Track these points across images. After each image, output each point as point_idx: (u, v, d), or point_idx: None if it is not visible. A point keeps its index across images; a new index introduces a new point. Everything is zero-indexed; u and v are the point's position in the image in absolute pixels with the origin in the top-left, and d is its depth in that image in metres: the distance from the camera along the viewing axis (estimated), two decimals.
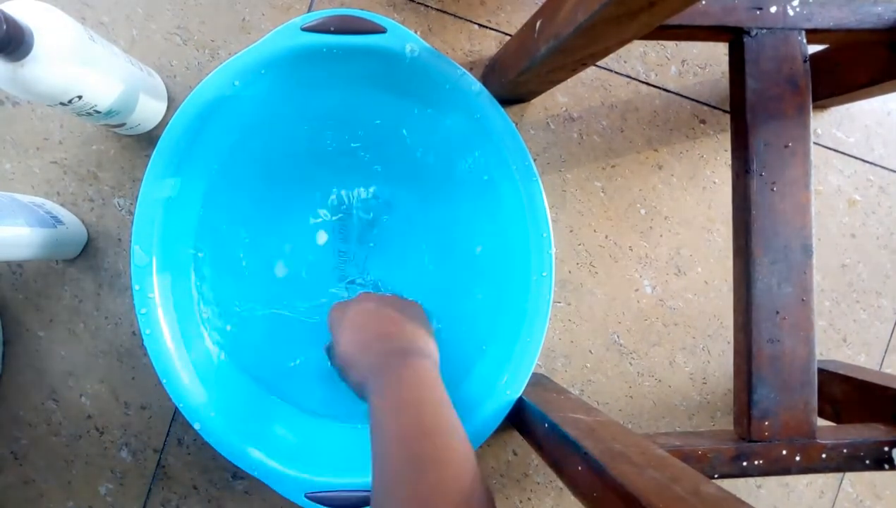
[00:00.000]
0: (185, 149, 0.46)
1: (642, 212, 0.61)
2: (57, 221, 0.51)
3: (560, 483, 0.60)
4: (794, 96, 0.47)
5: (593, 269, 0.60)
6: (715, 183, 0.61)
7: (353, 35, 0.46)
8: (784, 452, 0.45)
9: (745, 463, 0.45)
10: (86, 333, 0.56)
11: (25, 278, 0.55)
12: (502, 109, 0.48)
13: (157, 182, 0.46)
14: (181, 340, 0.47)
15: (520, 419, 0.49)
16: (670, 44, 0.61)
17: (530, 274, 0.49)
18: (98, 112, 0.46)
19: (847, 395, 0.55)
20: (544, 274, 0.48)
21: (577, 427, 0.41)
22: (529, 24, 0.46)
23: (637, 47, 0.60)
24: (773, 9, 0.47)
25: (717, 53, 0.61)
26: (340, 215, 0.54)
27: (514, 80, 0.50)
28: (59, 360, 0.56)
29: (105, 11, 0.55)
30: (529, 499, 0.60)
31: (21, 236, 0.47)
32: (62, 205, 0.55)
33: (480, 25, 0.58)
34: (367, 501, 0.45)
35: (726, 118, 0.61)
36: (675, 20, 0.46)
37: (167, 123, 0.46)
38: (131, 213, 0.55)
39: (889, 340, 0.64)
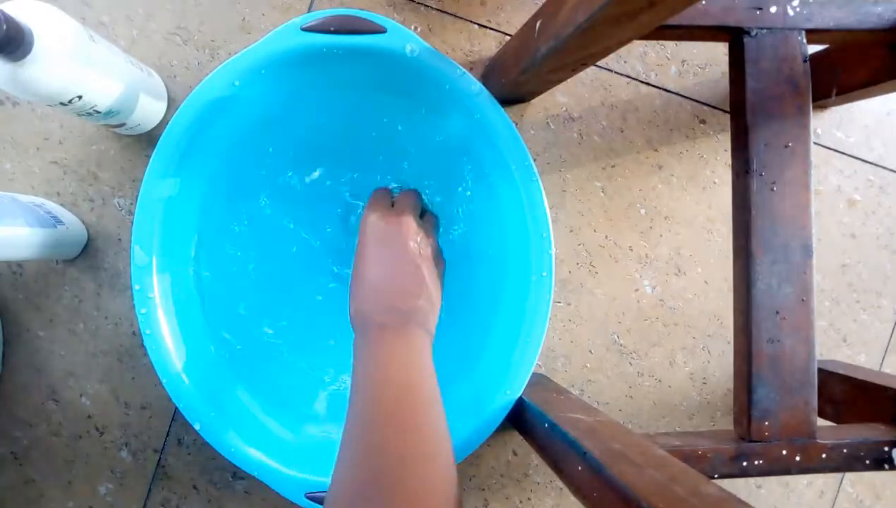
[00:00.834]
0: (185, 149, 0.46)
1: (642, 212, 0.61)
2: (57, 221, 0.51)
3: (560, 484, 0.60)
4: (794, 96, 0.47)
5: (593, 269, 0.60)
6: (715, 183, 0.61)
7: (352, 35, 0.46)
8: (784, 452, 0.45)
9: (745, 463, 0.45)
10: (86, 333, 0.56)
11: (25, 278, 0.55)
12: (502, 109, 0.48)
13: (157, 182, 0.46)
14: (181, 340, 0.47)
15: (520, 419, 0.49)
16: (670, 44, 0.61)
17: (530, 274, 0.49)
18: (98, 112, 0.46)
19: (847, 395, 0.55)
20: (544, 274, 0.48)
21: (577, 427, 0.41)
22: (529, 24, 0.46)
23: (637, 47, 0.60)
24: (773, 9, 0.47)
25: (717, 53, 0.61)
26: (340, 211, 0.54)
27: (514, 80, 0.50)
28: (59, 360, 0.56)
29: (105, 11, 0.55)
30: (529, 499, 0.60)
31: (21, 236, 0.47)
32: (62, 205, 0.55)
33: (480, 25, 0.58)
34: None
35: (726, 118, 0.61)
36: (675, 20, 0.46)
37: (167, 123, 0.46)
38: (131, 213, 0.55)
39: (889, 340, 0.64)
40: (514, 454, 0.60)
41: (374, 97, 0.50)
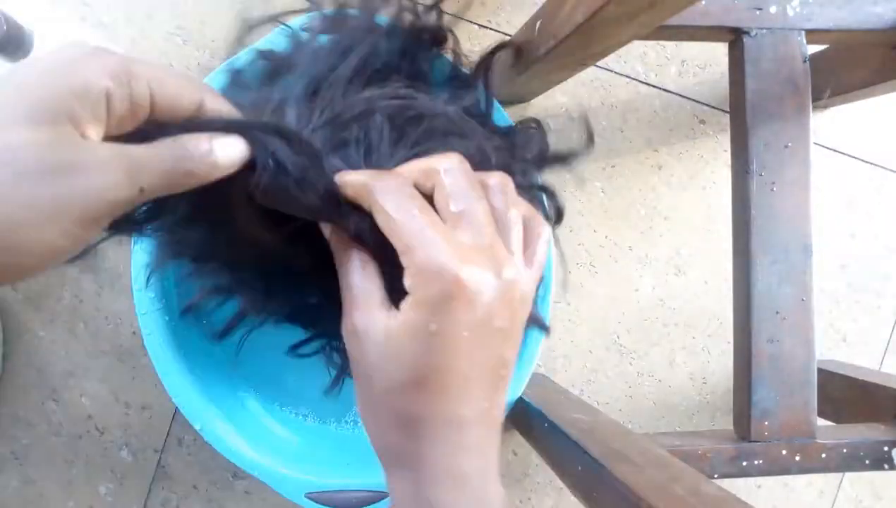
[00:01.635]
0: None
1: (642, 212, 0.61)
2: None
3: (560, 483, 0.60)
4: (793, 96, 0.47)
5: (593, 269, 0.60)
6: (715, 183, 0.61)
7: None
8: (784, 452, 0.45)
9: (744, 463, 0.45)
10: (86, 333, 0.56)
11: (26, 278, 0.55)
12: (502, 110, 0.48)
13: None
14: (181, 340, 0.47)
15: (520, 419, 0.49)
16: (670, 44, 0.61)
17: None
18: None
19: (847, 395, 0.55)
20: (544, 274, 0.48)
21: (577, 426, 0.41)
22: (529, 25, 0.46)
23: (637, 47, 0.60)
24: (773, 9, 0.47)
25: (716, 54, 0.61)
26: None
27: (514, 80, 0.50)
28: (59, 360, 0.56)
29: (105, 11, 0.55)
30: (529, 499, 0.60)
31: None
32: None
33: (480, 26, 0.58)
34: (367, 501, 0.45)
35: (726, 118, 0.61)
36: (675, 20, 0.45)
37: None
38: None
39: (889, 340, 0.64)
40: (514, 454, 0.60)
41: None
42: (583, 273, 0.60)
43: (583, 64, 0.45)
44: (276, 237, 0.28)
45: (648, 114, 0.61)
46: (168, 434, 0.57)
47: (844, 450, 0.46)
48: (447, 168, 0.25)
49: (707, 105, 0.61)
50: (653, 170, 0.61)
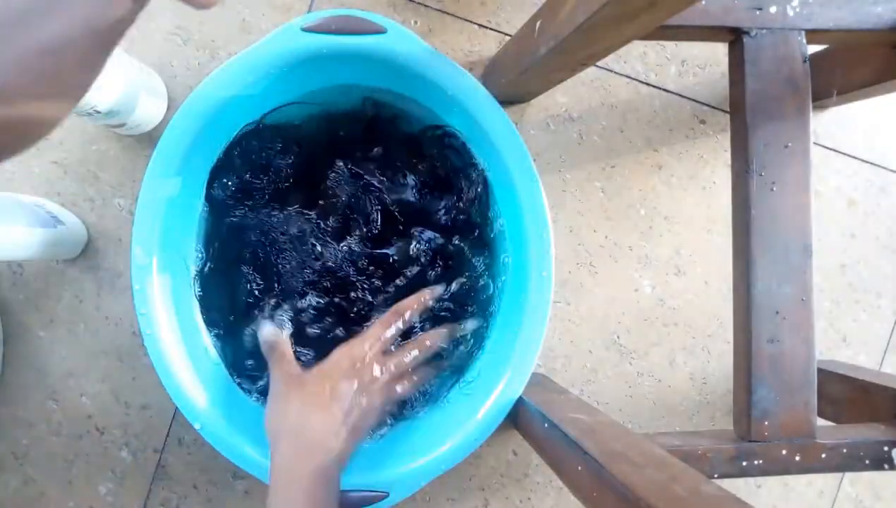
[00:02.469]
0: (185, 149, 0.46)
1: (642, 212, 0.61)
2: (57, 221, 0.51)
3: (560, 483, 0.60)
4: (793, 96, 0.47)
5: (593, 269, 0.60)
6: (715, 183, 0.61)
7: (353, 35, 0.46)
8: (784, 452, 0.45)
9: (744, 463, 0.45)
10: (86, 333, 0.56)
11: (26, 278, 0.55)
12: (502, 110, 0.48)
13: (157, 182, 0.46)
14: (181, 340, 0.47)
15: (520, 419, 0.49)
16: (670, 44, 0.61)
17: (530, 274, 0.49)
18: (98, 112, 0.46)
19: (847, 395, 0.55)
20: (544, 274, 0.48)
21: (577, 427, 0.41)
22: (529, 25, 0.46)
23: (637, 47, 0.60)
24: (773, 9, 0.47)
25: (716, 54, 0.61)
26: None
27: (514, 80, 0.50)
28: (59, 360, 0.56)
29: None
30: (529, 499, 0.60)
31: (21, 236, 0.47)
32: (62, 205, 0.55)
33: (480, 26, 0.58)
34: (366, 501, 0.45)
35: (726, 118, 0.61)
36: (675, 20, 0.46)
37: (168, 123, 0.46)
38: (132, 213, 0.55)
39: (888, 340, 0.64)
40: (514, 454, 0.60)
41: (373, 97, 0.50)
42: (583, 273, 0.60)
43: (583, 64, 0.45)
44: None
45: (648, 114, 0.61)
46: (168, 433, 0.57)
47: (844, 450, 0.46)
48: None
49: (707, 105, 0.61)
50: (653, 170, 0.61)
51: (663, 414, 0.61)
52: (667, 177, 0.61)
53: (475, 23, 0.58)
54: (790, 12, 0.47)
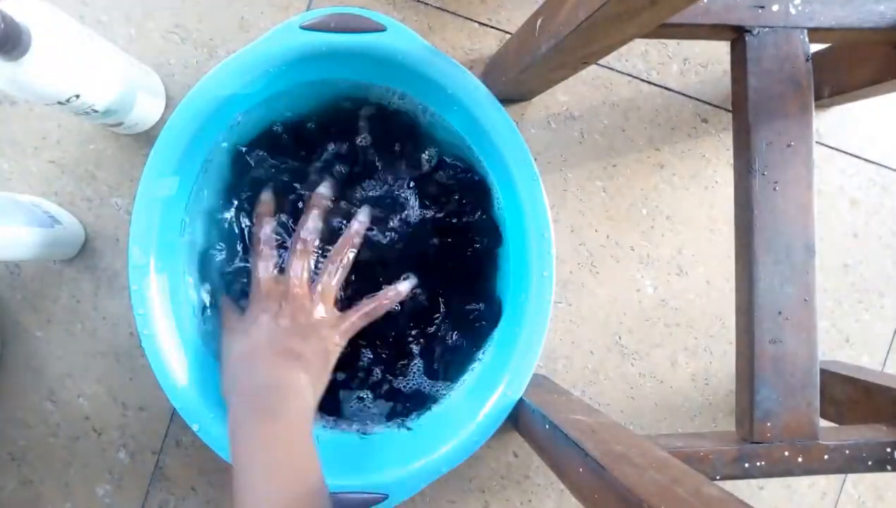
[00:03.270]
0: (183, 148, 0.46)
1: (644, 211, 0.60)
2: (54, 221, 0.51)
3: (561, 485, 0.60)
4: (796, 95, 0.47)
5: (594, 269, 0.60)
6: (717, 182, 0.61)
7: (352, 33, 0.45)
8: (786, 453, 0.45)
9: (747, 465, 0.45)
10: (84, 334, 0.55)
11: (23, 278, 0.55)
12: (503, 108, 0.48)
13: (155, 181, 0.45)
14: (179, 341, 0.47)
15: (520, 420, 0.49)
16: (672, 42, 0.60)
17: (531, 274, 0.48)
18: (96, 111, 0.45)
19: (849, 396, 0.54)
20: (545, 274, 0.48)
21: (579, 428, 0.41)
22: (530, 23, 0.46)
23: (638, 45, 0.60)
24: (776, 7, 0.47)
25: (718, 52, 0.61)
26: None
27: (515, 78, 0.50)
28: (56, 361, 0.55)
29: (103, 10, 0.55)
30: (530, 501, 0.60)
31: (18, 236, 0.47)
32: (60, 204, 0.54)
33: (481, 24, 0.58)
34: (367, 502, 0.45)
35: (728, 117, 0.61)
36: (677, 18, 0.45)
37: (165, 122, 0.45)
38: (129, 213, 0.55)
39: (892, 341, 0.64)
40: (515, 455, 0.60)
41: (374, 96, 0.50)
42: (584, 273, 0.60)
43: (584, 62, 0.45)
44: None
45: (650, 113, 0.60)
46: (166, 435, 0.56)
47: (847, 451, 0.46)
48: None
49: (709, 103, 0.61)
50: (654, 169, 0.60)
51: (665, 416, 0.61)
52: (669, 176, 0.61)
53: (475, 21, 0.58)
54: (792, 11, 0.47)
